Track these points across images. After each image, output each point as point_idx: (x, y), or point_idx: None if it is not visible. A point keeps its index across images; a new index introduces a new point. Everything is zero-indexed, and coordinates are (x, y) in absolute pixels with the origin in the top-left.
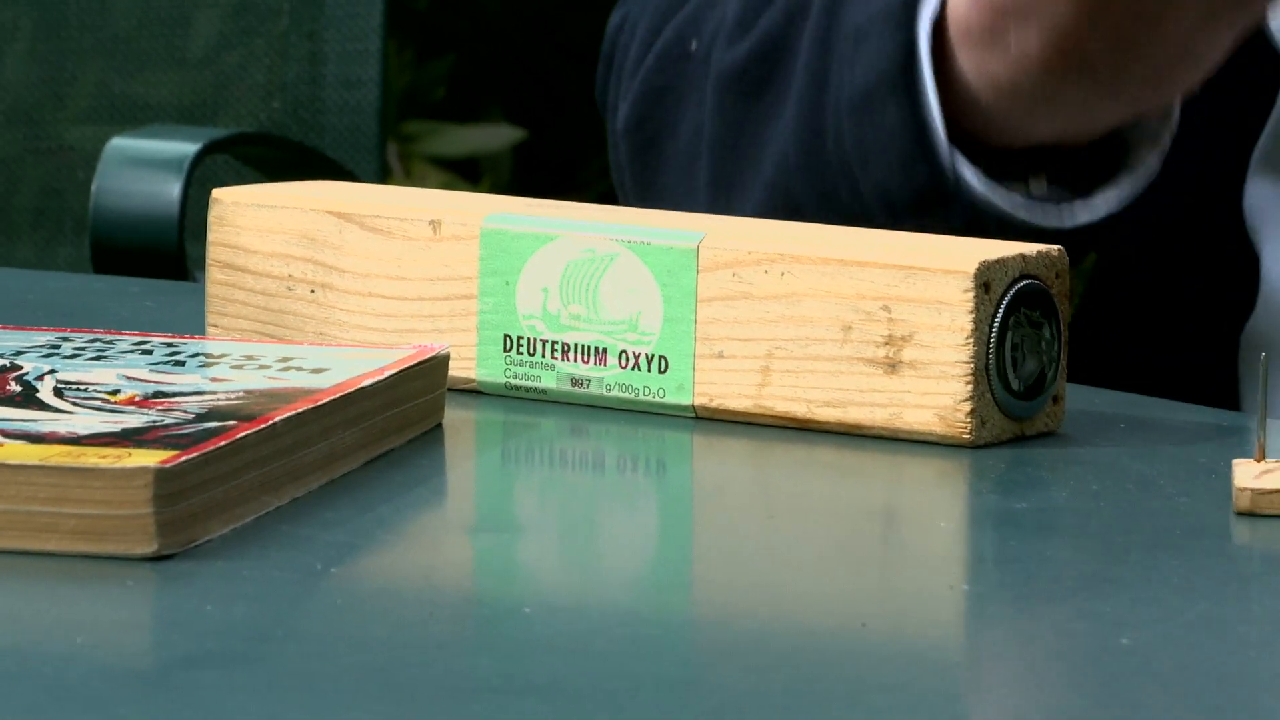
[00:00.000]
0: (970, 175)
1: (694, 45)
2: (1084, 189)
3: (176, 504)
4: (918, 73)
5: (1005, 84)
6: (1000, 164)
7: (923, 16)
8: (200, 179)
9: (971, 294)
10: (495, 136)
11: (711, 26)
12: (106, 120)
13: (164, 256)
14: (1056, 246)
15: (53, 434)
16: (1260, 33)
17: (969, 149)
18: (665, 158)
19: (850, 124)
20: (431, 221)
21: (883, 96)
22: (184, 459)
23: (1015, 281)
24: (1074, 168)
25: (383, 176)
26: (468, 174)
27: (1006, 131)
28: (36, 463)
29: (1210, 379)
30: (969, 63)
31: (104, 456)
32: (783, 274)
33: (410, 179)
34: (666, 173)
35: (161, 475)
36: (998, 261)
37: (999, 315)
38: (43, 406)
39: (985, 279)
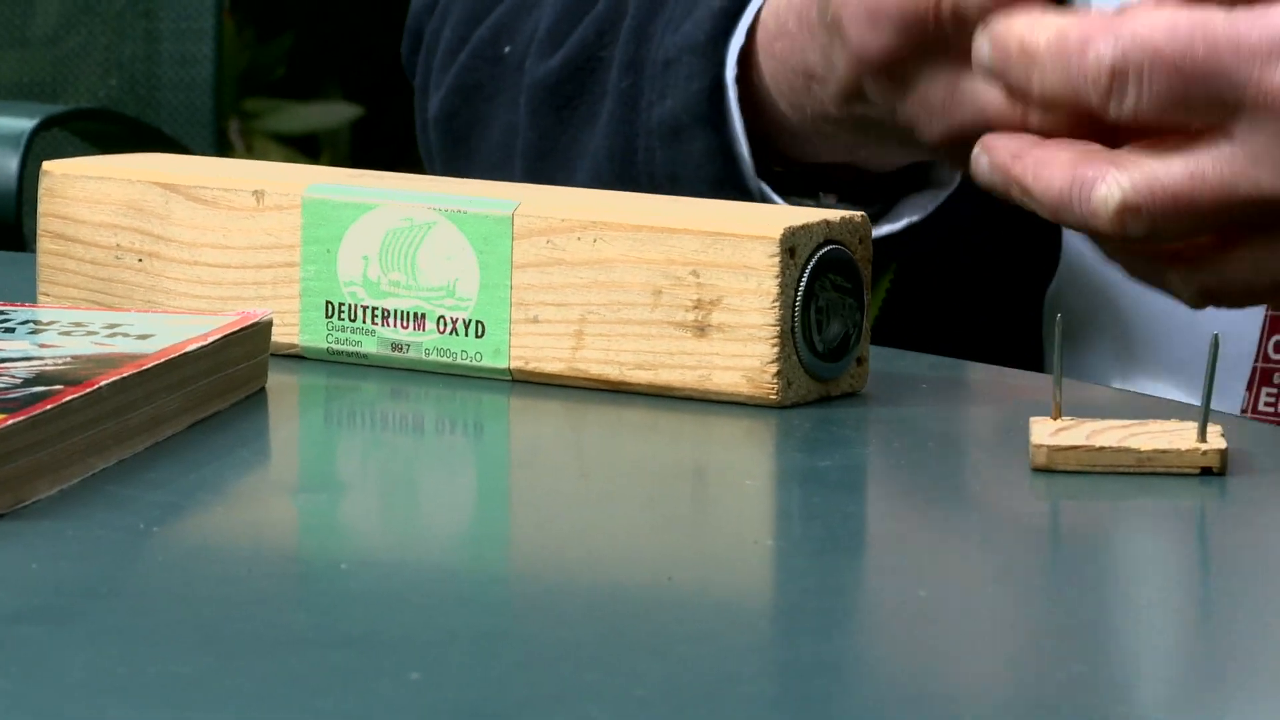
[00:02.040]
0: (774, 197)
1: (507, 49)
2: (886, 200)
3: (3, 466)
4: (725, 105)
5: (798, 107)
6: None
7: (731, 48)
8: (41, 155)
9: (777, 259)
10: (333, 113)
11: (526, 34)
12: None
13: (3, 229)
14: (860, 213)
15: None
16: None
17: (778, 164)
18: (476, 154)
19: (661, 148)
20: (255, 192)
21: (691, 126)
22: (11, 422)
23: (820, 247)
24: (874, 181)
25: (220, 151)
26: (308, 150)
27: (809, 150)
28: None
29: (1016, 343)
30: (768, 76)
31: None
32: (595, 240)
33: (252, 155)
34: (478, 169)
35: None
36: (802, 227)
37: (804, 279)
38: None
39: (790, 244)
